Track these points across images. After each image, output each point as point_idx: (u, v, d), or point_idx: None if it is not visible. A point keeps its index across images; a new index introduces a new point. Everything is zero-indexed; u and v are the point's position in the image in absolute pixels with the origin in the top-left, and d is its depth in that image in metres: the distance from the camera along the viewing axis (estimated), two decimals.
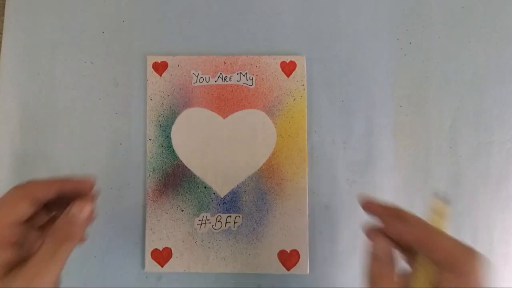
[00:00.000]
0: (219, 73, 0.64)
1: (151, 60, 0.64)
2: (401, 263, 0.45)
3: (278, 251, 0.61)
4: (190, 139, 0.63)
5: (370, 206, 0.48)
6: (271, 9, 0.66)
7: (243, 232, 0.62)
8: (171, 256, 0.62)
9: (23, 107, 0.64)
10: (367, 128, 0.64)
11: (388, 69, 0.64)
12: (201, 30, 0.65)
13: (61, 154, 0.64)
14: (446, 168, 0.63)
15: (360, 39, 0.65)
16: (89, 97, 0.65)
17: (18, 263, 0.39)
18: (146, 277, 0.62)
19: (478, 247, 0.61)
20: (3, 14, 0.66)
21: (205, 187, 0.63)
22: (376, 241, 0.44)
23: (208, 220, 0.62)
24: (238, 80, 0.64)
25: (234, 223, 0.62)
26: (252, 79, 0.64)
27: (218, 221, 0.62)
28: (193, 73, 0.64)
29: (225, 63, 0.64)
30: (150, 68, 0.64)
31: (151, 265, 0.61)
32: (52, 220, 0.46)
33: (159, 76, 0.64)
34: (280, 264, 0.61)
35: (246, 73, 0.64)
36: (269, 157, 0.63)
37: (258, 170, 0.63)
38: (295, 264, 0.61)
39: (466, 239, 0.62)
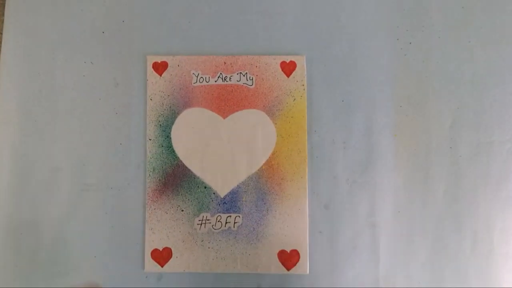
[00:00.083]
0: (219, 73, 0.64)
1: (151, 60, 0.64)
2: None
3: (278, 251, 0.61)
4: (190, 139, 0.63)
5: None
6: (271, 9, 0.66)
7: (243, 232, 0.62)
8: (171, 256, 0.62)
9: (23, 107, 0.64)
10: (367, 128, 0.64)
11: (388, 69, 0.64)
12: (201, 30, 0.65)
13: (61, 154, 0.64)
14: (446, 168, 0.63)
15: (360, 39, 0.65)
16: (89, 97, 0.65)
17: None
18: (146, 277, 0.62)
19: (478, 247, 0.62)
20: (3, 14, 0.66)
21: (205, 187, 0.63)
22: None
23: (208, 220, 0.62)
24: (238, 80, 0.64)
25: (234, 223, 0.62)
26: (252, 79, 0.64)
27: (218, 221, 0.62)
28: (193, 73, 0.64)
29: (225, 63, 0.64)
30: (150, 68, 0.64)
31: (151, 265, 0.61)
32: None
33: (159, 76, 0.64)
34: (280, 264, 0.61)
35: (246, 73, 0.64)
36: (269, 157, 0.63)
37: (258, 170, 0.63)
38: (295, 264, 0.61)
39: (466, 239, 0.62)
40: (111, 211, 0.63)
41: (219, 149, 0.63)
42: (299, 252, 0.61)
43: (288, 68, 0.64)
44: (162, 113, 0.64)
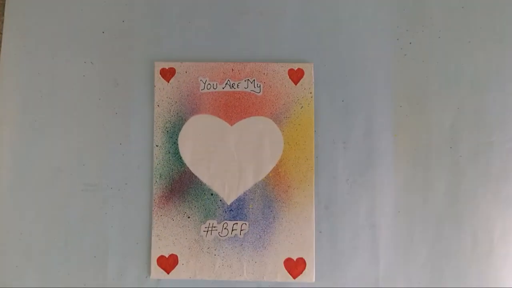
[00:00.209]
0: (226, 80, 0.64)
1: (158, 66, 0.64)
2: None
3: (284, 259, 0.61)
4: (197, 145, 0.63)
5: None
6: (273, 12, 0.66)
7: (249, 240, 0.62)
8: (177, 263, 0.62)
9: (23, 107, 0.64)
10: (367, 128, 0.64)
11: (388, 69, 0.64)
12: (201, 30, 0.65)
13: (61, 154, 0.64)
14: (446, 168, 0.63)
15: (360, 39, 0.65)
16: (89, 97, 0.65)
17: None
18: (146, 276, 0.62)
19: (478, 247, 0.62)
20: (3, 14, 0.66)
21: (212, 194, 0.63)
22: None
23: (214, 227, 0.62)
24: (246, 87, 0.64)
25: (241, 230, 0.62)
26: (259, 86, 0.64)
27: (225, 228, 0.62)
28: (200, 80, 0.64)
29: (232, 70, 0.64)
30: (157, 75, 0.64)
31: (157, 272, 0.61)
32: None
33: (166, 83, 0.64)
34: (286, 272, 0.61)
35: (254, 80, 0.64)
36: (276, 165, 0.63)
37: (265, 177, 0.63)
38: (301, 272, 0.61)
39: (466, 239, 0.62)
40: (111, 211, 0.63)
41: (226, 156, 0.63)
42: (306, 260, 0.61)
43: (296, 76, 0.64)
44: (169, 119, 0.64)
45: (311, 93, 0.64)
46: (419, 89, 0.64)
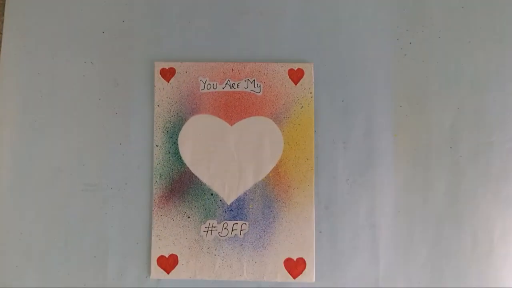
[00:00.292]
0: (226, 80, 0.64)
1: (158, 66, 0.64)
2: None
3: (284, 259, 0.61)
4: (197, 145, 0.63)
5: None
6: (273, 12, 0.66)
7: (249, 240, 0.62)
8: (177, 263, 0.62)
9: (23, 107, 0.64)
10: (367, 128, 0.64)
11: (388, 69, 0.64)
12: (201, 30, 0.65)
13: (61, 154, 0.64)
14: (446, 168, 0.63)
15: (360, 39, 0.65)
16: (89, 97, 0.65)
17: None
18: (146, 276, 0.62)
19: (478, 247, 0.62)
20: (3, 14, 0.66)
21: (212, 194, 0.63)
22: None
23: (214, 227, 0.62)
24: (246, 87, 0.64)
25: (241, 230, 0.62)
26: (259, 86, 0.64)
27: (225, 228, 0.62)
28: (200, 80, 0.64)
29: (232, 70, 0.64)
30: (157, 75, 0.64)
31: (157, 272, 0.61)
32: None
33: (166, 83, 0.64)
34: (286, 272, 0.61)
35: (254, 80, 0.64)
36: (276, 165, 0.63)
37: (265, 177, 0.63)
38: (301, 272, 0.61)
39: (466, 239, 0.62)
40: (111, 211, 0.63)
41: (226, 156, 0.63)
42: (306, 260, 0.61)
43: (296, 76, 0.64)
44: (169, 119, 0.64)
45: (311, 93, 0.64)
46: (419, 89, 0.64)
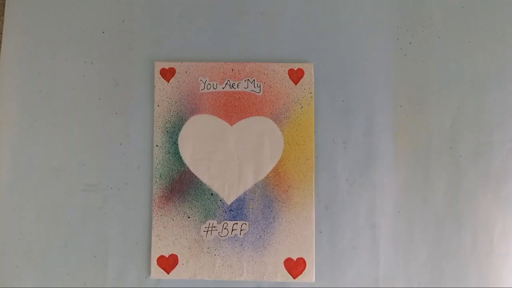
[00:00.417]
0: (226, 80, 0.64)
1: (158, 66, 0.64)
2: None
3: (284, 259, 0.61)
4: (197, 145, 0.63)
5: None
6: (273, 12, 0.66)
7: (249, 240, 0.62)
8: (177, 263, 0.62)
9: (23, 107, 0.64)
10: (367, 128, 0.64)
11: (388, 69, 0.64)
12: (201, 30, 0.65)
13: (61, 154, 0.64)
14: (446, 168, 0.63)
15: (360, 39, 0.65)
16: (89, 97, 0.65)
17: None
18: (146, 276, 0.62)
19: (478, 247, 0.62)
20: (3, 14, 0.66)
21: (212, 194, 0.63)
22: None
23: (214, 227, 0.62)
24: (246, 87, 0.64)
25: (241, 230, 0.62)
26: (259, 86, 0.64)
27: (225, 228, 0.62)
28: (200, 80, 0.64)
29: (232, 70, 0.64)
30: (157, 75, 0.64)
31: (157, 272, 0.61)
32: None
33: (166, 83, 0.64)
34: (286, 272, 0.61)
35: (254, 80, 0.64)
36: (276, 165, 0.63)
37: (265, 177, 0.63)
38: (301, 272, 0.61)
39: (466, 239, 0.62)
40: (111, 211, 0.63)
41: (226, 156, 0.63)
42: (305, 260, 0.61)
43: (296, 76, 0.64)
44: (169, 119, 0.64)
45: (311, 93, 0.64)
46: (419, 89, 0.64)
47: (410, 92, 0.64)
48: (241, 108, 0.64)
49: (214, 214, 0.62)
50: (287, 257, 0.61)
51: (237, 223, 0.62)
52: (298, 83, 0.64)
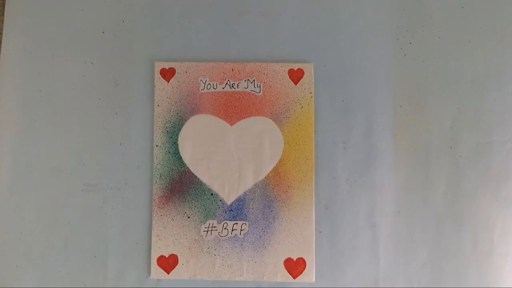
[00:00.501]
0: (226, 80, 0.64)
1: (158, 66, 0.64)
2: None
3: (284, 259, 0.61)
4: (197, 145, 0.63)
5: None
6: (273, 12, 0.66)
7: (249, 240, 0.62)
8: (177, 263, 0.62)
9: (23, 107, 0.64)
10: (367, 128, 0.64)
11: (388, 69, 0.64)
12: (201, 30, 0.65)
13: (61, 154, 0.64)
14: (446, 168, 0.63)
15: (360, 39, 0.65)
16: (89, 97, 0.65)
17: None
18: (146, 276, 0.62)
19: (478, 247, 0.62)
20: (3, 14, 0.66)
21: (212, 194, 0.63)
22: None
23: (214, 227, 0.62)
24: (246, 87, 0.64)
25: (241, 230, 0.62)
26: (259, 86, 0.64)
27: (225, 228, 0.62)
28: (200, 80, 0.64)
29: (232, 70, 0.64)
30: (157, 75, 0.64)
31: (157, 272, 0.61)
32: None
33: (166, 83, 0.64)
34: (286, 272, 0.61)
35: (254, 80, 0.64)
36: (276, 165, 0.63)
37: (265, 177, 0.63)
38: (301, 272, 0.61)
39: (466, 239, 0.62)
40: (111, 211, 0.63)
41: (226, 156, 0.63)
42: (305, 260, 0.61)
43: (296, 76, 0.64)
44: (169, 119, 0.64)
45: (311, 93, 0.64)
46: (419, 89, 0.64)
47: (410, 92, 0.64)
48: (241, 108, 0.64)
49: (214, 214, 0.62)
50: (287, 257, 0.61)
51: (237, 223, 0.62)
52: (298, 83, 0.64)
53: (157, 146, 0.63)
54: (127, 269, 0.62)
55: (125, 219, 0.63)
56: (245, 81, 0.64)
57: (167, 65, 0.64)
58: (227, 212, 0.62)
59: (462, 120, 0.64)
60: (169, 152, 0.63)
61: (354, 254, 0.62)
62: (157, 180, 0.63)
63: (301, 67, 0.64)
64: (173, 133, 0.63)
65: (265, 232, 0.62)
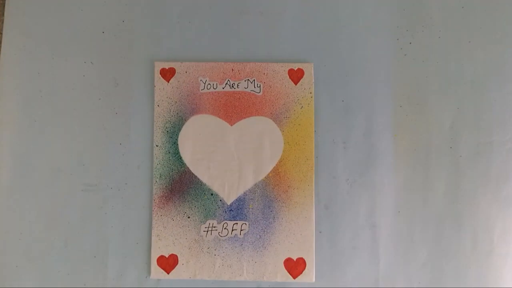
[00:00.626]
0: (226, 80, 0.64)
1: (158, 66, 0.64)
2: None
3: (284, 259, 0.61)
4: (197, 145, 0.63)
5: None
6: (273, 12, 0.66)
7: (249, 240, 0.62)
8: (177, 263, 0.62)
9: (23, 107, 0.64)
10: (367, 128, 0.64)
11: (388, 69, 0.64)
12: (201, 30, 0.65)
13: (61, 154, 0.64)
14: (446, 168, 0.63)
15: (360, 39, 0.65)
16: (89, 97, 0.65)
17: None
18: (146, 276, 0.62)
19: (478, 247, 0.62)
20: (3, 14, 0.66)
21: (212, 194, 0.63)
22: None
23: (214, 227, 0.62)
24: (246, 87, 0.64)
25: (241, 230, 0.62)
26: (259, 86, 0.64)
27: (225, 228, 0.62)
28: (200, 80, 0.64)
29: (232, 69, 0.64)
30: (157, 75, 0.64)
31: (157, 272, 0.61)
32: None
33: (166, 83, 0.64)
34: (286, 272, 0.61)
35: (254, 80, 0.64)
36: (276, 165, 0.63)
37: (265, 177, 0.63)
38: (301, 272, 0.61)
39: (466, 239, 0.62)
40: (111, 211, 0.63)
41: (226, 156, 0.63)
42: (305, 260, 0.61)
43: (296, 76, 0.64)
44: (169, 119, 0.64)
45: (311, 93, 0.64)
46: (419, 89, 0.64)
47: (410, 92, 0.64)
48: (241, 108, 0.64)
49: (214, 214, 0.62)
50: (287, 257, 0.61)
51: (237, 223, 0.62)
52: (298, 83, 0.64)
53: (157, 146, 0.63)
54: (127, 269, 0.62)
55: (125, 219, 0.63)
56: (245, 81, 0.64)
57: (167, 65, 0.64)
58: (227, 212, 0.62)
59: (462, 120, 0.64)
60: (169, 152, 0.63)
61: (354, 254, 0.62)
62: (157, 180, 0.63)
63: (301, 67, 0.64)
64: (173, 133, 0.63)
65: (265, 232, 0.62)
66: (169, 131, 0.63)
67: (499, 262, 0.62)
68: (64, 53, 0.65)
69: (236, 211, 0.62)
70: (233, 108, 0.64)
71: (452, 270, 0.62)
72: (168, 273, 0.61)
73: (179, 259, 0.62)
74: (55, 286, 0.62)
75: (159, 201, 0.62)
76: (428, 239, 0.62)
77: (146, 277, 0.62)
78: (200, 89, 0.64)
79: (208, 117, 0.64)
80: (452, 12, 0.65)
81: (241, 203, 0.62)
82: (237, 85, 0.64)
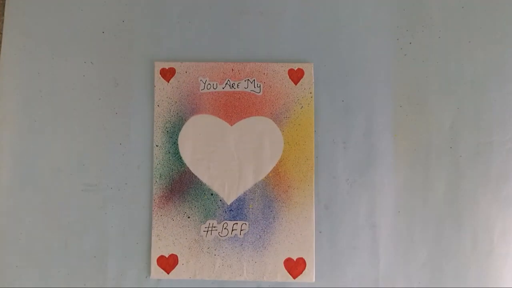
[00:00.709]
0: (226, 80, 0.64)
1: (158, 66, 0.64)
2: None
3: (284, 259, 0.61)
4: (197, 145, 0.63)
5: None
6: (273, 12, 0.66)
7: (249, 240, 0.62)
8: (177, 263, 0.62)
9: (23, 107, 0.64)
10: (367, 128, 0.64)
11: (388, 69, 0.64)
12: (201, 30, 0.65)
13: (61, 154, 0.64)
14: (446, 168, 0.63)
15: (360, 39, 0.65)
16: (89, 97, 0.65)
17: None
18: (146, 276, 0.62)
19: (478, 247, 0.62)
20: (3, 14, 0.66)
21: (212, 194, 0.63)
22: None
23: (214, 227, 0.62)
24: (246, 87, 0.64)
25: (241, 230, 0.62)
26: (259, 86, 0.64)
27: (225, 228, 0.62)
28: (200, 80, 0.64)
29: (232, 70, 0.64)
30: (157, 75, 0.64)
31: (157, 272, 0.61)
32: None
33: (166, 83, 0.64)
34: (286, 272, 0.61)
35: (254, 80, 0.64)
36: (276, 165, 0.63)
37: (265, 177, 0.63)
38: (301, 272, 0.61)
39: (466, 239, 0.62)
40: (111, 211, 0.63)
41: (226, 156, 0.63)
42: (305, 260, 0.61)
43: (296, 76, 0.64)
44: (169, 119, 0.64)
45: (311, 93, 0.64)
46: (419, 89, 0.64)
47: (410, 92, 0.64)
48: (241, 108, 0.64)
49: (214, 214, 0.62)
50: (287, 257, 0.61)
51: (237, 223, 0.62)
52: (298, 83, 0.64)
53: (157, 146, 0.63)
54: (127, 269, 0.62)
55: (125, 219, 0.63)
56: (245, 81, 0.64)
57: (167, 65, 0.64)
58: (227, 212, 0.62)
59: (462, 120, 0.64)
60: (169, 152, 0.63)
61: (354, 254, 0.62)
62: (157, 180, 0.63)
63: (301, 67, 0.64)
64: (173, 133, 0.63)
65: (265, 232, 0.62)
66: (169, 131, 0.63)
67: (499, 262, 0.62)
68: (64, 53, 0.65)
69: (236, 211, 0.62)
70: (233, 108, 0.64)
71: (452, 270, 0.62)
72: (168, 273, 0.61)
73: (179, 259, 0.62)
74: (55, 286, 0.62)
75: (159, 201, 0.62)
76: (428, 239, 0.62)
77: (146, 277, 0.62)
78: (200, 89, 0.64)
79: (208, 117, 0.64)
80: (452, 12, 0.65)
81: (241, 203, 0.62)
82: (237, 85, 0.64)
